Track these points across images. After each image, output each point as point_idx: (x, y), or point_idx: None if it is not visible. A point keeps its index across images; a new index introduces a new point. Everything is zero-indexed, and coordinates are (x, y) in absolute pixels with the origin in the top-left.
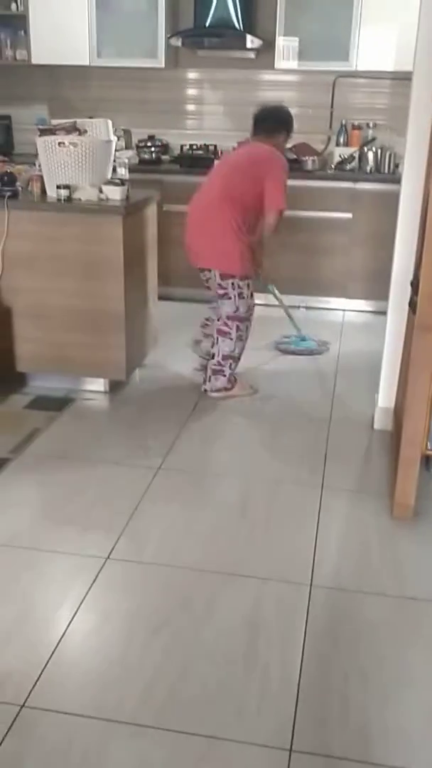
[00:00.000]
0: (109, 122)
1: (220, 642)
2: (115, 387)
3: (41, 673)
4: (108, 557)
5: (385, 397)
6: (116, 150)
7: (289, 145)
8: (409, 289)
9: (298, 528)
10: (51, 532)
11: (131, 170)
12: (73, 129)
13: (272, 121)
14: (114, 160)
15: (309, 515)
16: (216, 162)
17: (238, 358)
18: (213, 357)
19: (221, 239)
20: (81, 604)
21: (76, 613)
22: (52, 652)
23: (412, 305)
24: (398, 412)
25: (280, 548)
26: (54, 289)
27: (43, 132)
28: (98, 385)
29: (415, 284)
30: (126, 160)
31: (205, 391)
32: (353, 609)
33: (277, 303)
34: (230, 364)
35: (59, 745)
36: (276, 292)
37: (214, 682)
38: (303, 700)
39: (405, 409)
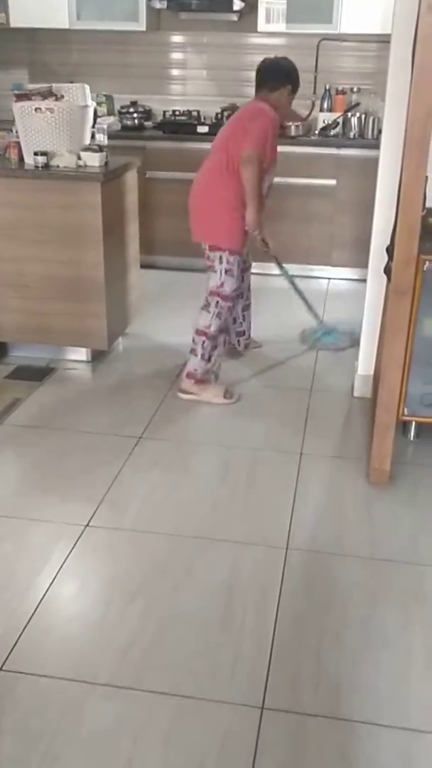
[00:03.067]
0: (87, 87)
1: (197, 605)
2: (97, 356)
3: (19, 638)
4: (87, 524)
5: (365, 364)
6: (98, 116)
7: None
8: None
9: (277, 494)
10: (31, 500)
11: (114, 137)
12: (49, 94)
13: (271, 76)
14: (93, 126)
15: (287, 481)
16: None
17: (214, 340)
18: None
19: (210, 211)
20: (60, 570)
21: (54, 579)
22: (30, 617)
23: (387, 272)
24: (377, 379)
25: (258, 513)
26: (33, 258)
27: (19, 97)
28: (80, 354)
29: (390, 250)
30: (105, 126)
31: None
32: (328, 571)
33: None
34: (203, 343)
35: (37, 706)
36: (287, 272)
37: (190, 644)
38: (276, 659)
39: (381, 375)
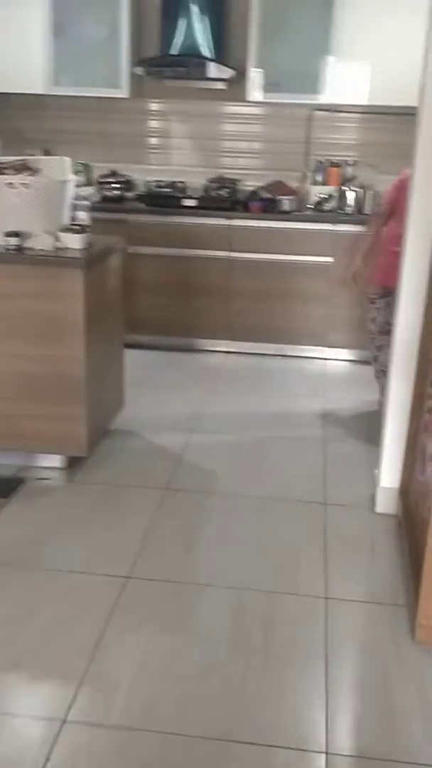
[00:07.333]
0: (67, 160)
1: None
2: (74, 462)
3: None
4: (65, 720)
5: (388, 476)
6: (76, 186)
7: (262, 184)
8: (416, 352)
9: (303, 665)
10: None
11: (92, 209)
12: (23, 168)
13: None
14: (73, 201)
15: (314, 643)
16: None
17: None
18: None
19: None
20: None
21: None
22: None
23: None
24: (407, 496)
25: (282, 698)
26: (2, 352)
27: None
28: (54, 460)
29: None
30: (87, 203)
31: None
32: None
33: None
34: None
35: None
36: None
37: None
38: None
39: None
